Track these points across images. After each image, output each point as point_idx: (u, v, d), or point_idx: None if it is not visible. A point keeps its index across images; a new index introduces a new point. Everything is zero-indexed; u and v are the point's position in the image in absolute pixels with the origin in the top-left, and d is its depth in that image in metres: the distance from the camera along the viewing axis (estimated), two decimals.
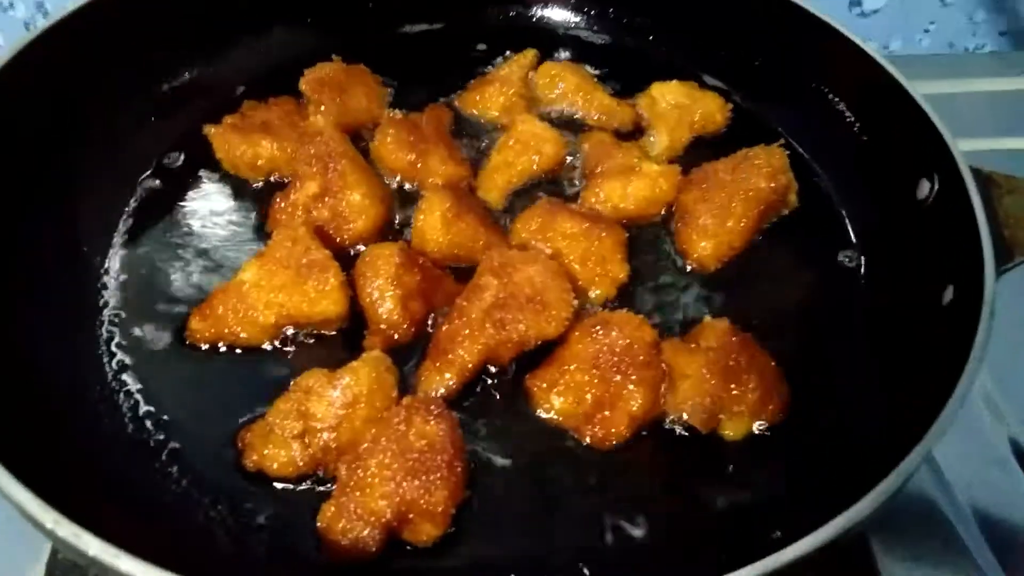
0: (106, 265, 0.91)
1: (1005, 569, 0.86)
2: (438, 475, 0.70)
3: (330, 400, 0.74)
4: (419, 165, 0.99)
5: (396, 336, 0.84)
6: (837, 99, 1.04)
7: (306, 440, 0.74)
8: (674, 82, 1.09)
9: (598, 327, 0.81)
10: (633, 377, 0.79)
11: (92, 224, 0.93)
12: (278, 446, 0.74)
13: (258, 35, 1.14)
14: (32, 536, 0.78)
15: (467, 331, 0.81)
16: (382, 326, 0.83)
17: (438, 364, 0.81)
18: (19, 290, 0.82)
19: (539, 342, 0.83)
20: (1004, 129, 1.37)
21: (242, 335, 0.83)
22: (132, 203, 0.97)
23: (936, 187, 0.88)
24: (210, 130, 0.99)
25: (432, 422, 0.73)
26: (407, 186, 1.00)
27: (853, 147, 1.02)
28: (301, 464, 0.74)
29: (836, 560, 0.82)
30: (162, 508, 0.72)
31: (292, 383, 0.77)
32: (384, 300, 0.83)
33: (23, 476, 0.59)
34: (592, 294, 0.90)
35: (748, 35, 1.13)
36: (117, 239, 0.93)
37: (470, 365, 0.81)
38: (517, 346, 0.82)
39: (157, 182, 0.99)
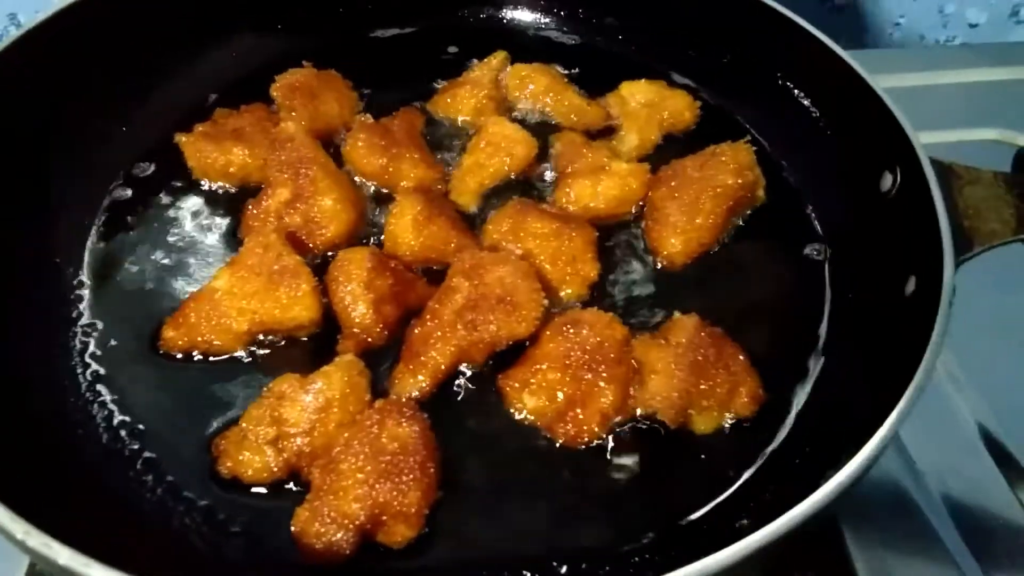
0: (79, 276, 0.91)
1: (974, 553, 0.87)
2: (411, 477, 0.71)
3: (303, 405, 0.75)
4: (391, 169, 0.99)
5: (370, 340, 0.84)
6: (802, 94, 1.06)
7: (280, 445, 0.74)
8: (643, 81, 1.10)
9: (569, 326, 0.82)
10: (604, 375, 0.80)
11: (64, 234, 0.93)
12: (252, 452, 0.74)
13: (228, 43, 1.14)
14: (10, 549, 0.80)
15: (439, 333, 0.82)
16: (355, 330, 0.84)
17: (411, 366, 0.82)
18: None
19: (511, 342, 0.83)
20: (976, 120, 1.38)
21: (215, 343, 0.83)
22: (103, 213, 0.97)
23: (898, 179, 0.89)
24: (181, 138, 0.99)
25: (404, 424, 0.74)
26: (380, 190, 1.00)
27: (818, 142, 1.03)
28: (275, 469, 0.74)
29: (809, 547, 0.85)
30: (138, 516, 0.72)
31: (265, 389, 0.78)
32: (357, 304, 0.84)
33: None
34: (563, 293, 0.91)
35: (715, 33, 1.14)
36: (89, 249, 0.93)
37: (443, 367, 0.82)
38: (489, 346, 0.83)
39: (128, 191, 1.00)
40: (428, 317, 0.84)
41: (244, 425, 0.76)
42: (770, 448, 0.81)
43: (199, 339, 0.83)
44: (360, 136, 1.00)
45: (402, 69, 1.18)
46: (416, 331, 0.84)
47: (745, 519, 0.74)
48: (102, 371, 0.83)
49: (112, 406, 0.80)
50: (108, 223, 0.96)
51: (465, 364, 0.84)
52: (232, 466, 0.75)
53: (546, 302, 0.84)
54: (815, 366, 0.87)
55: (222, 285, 0.84)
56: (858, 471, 0.65)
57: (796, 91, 1.06)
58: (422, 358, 0.82)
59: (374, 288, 0.84)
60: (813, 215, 1.01)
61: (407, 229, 0.90)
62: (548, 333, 0.83)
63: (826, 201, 1.01)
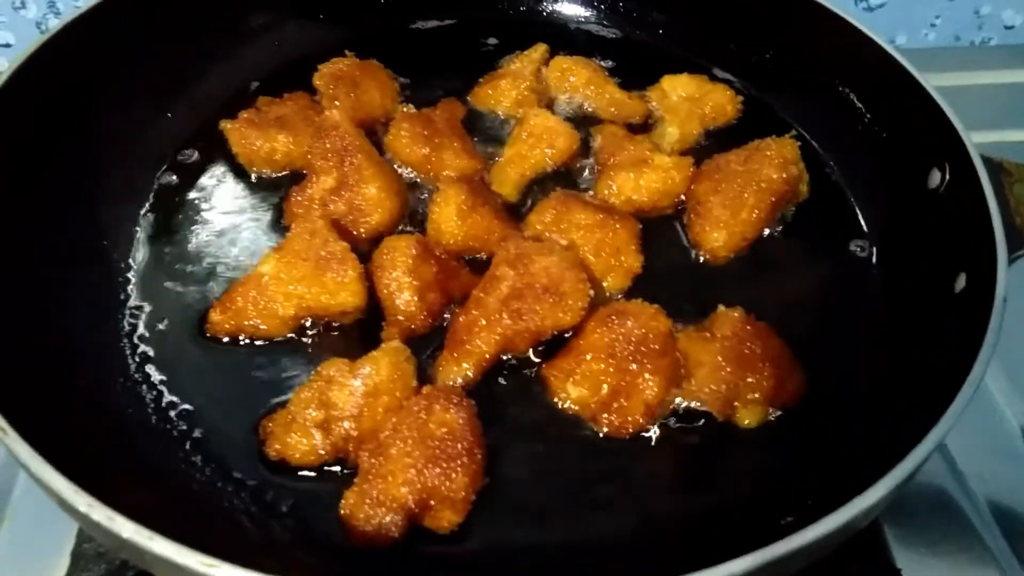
0: (127, 259, 0.92)
1: (1017, 556, 0.87)
2: (458, 462, 0.71)
3: (351, 389, 0.75)
4: (433, 159, 0.99)
5: (414, 327, 0.84)
6: (848, 91, 1.05)
7: (327, 429, 0.75)
8: (684, 75, 1.10)
9: (614, 317, 0.82)
10: (649, 366, 0.80)
11: (111, 219, 0.94)
12: (300, 435, 0.75)
13: (271, 31, 1.15)
14: (56, 528, 0.81)
15: (484, 321, 0.82)
16: (400, 317, 0.84)
17: (456, 354, 0.82)
18: (42, 285, 0.83)
19: (555, 332, 0.84)
20: (1009, 121, 1.38)
21: (262, 327, 0.84)
22: (150, 198, 0.98)
23: (947, 176, 0.88)
24: (226, 125, 1.00)
25: (452, 410, 0.74)
26: (421, 179, 1.01)
27: (864, 138, 1.03)
28: (323, 453, 0.75)
29: (852, 548, 0.84)
30: (188, 496, 0.73)
31: (313, 372, 0.78)
32: (402, 291, 0.84)
33: (56, 464, 0.60)
34: (606, 284, 0.91)
35: (758, 28, 1.14)
36: (137, 233, 0.94)
37: (487, 355, 0.82)
38: (534, 336, 0.83)
39: (174, 177, 1.00)
40: (473, 306, 0.84)
41: (292, 408, 0.76)
42: (816, 443, 0.80)
43: (246, 323, 0.84)
44: (403, 126, 1.00)
45: (442, 60, 1.18)
46: (461, 319, 0.84)
47: (790, 516, 0.73)
48: (150, 352, 0.84)
49: (160, 387, 0.81)
50: (155, 208, 0.97)
51: (509, 353, 0.84)
52: (280, 448, 0.75)
53: (592, 293, 0.84)
54: (861, 362, 0.86)
55: (269, 270, 0.84)
56: (907, 474, 0.64)
57: (841, 87, 1.05)
58: (467, 346, 0.82)
59: (419, 275, 0.84)
60: (858, 211, 1.01)
61: (451, 218, 0.90)
62: (592, 324, 0.83)
63: (872, 197, 1.00)
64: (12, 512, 0.85)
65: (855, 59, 1.02)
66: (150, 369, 0.82)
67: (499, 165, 1.03)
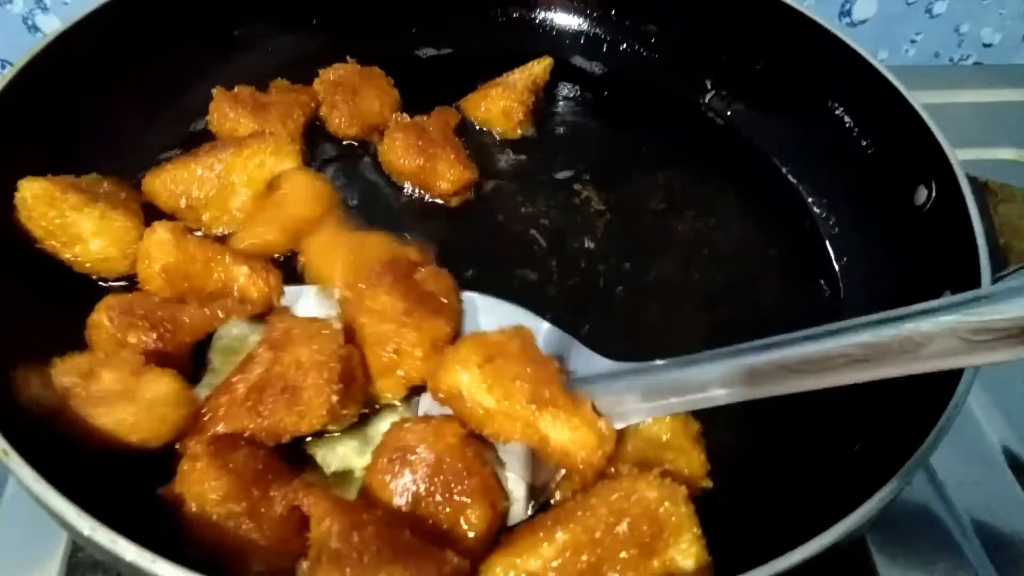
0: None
1: (996, 567, 0.89)
2: None
3: None
4: (428, 169, 0.99)
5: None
6: (838, 106, 1.06)
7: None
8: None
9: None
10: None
11: None
12: None
13: (266, 39, 1.15)
14: (48, 536, 0.80)
15: (225, 409, 0.71)
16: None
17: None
18: (30, 291, 0.82)
19: (294, 436, 0.72)
20: (986, 140, 1.40)
21: None
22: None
23: (933, 194, 0.90)
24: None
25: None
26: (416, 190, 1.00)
27: (853, 153, 1.03)
28: None
29: (836, 561, 0.85)
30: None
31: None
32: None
33: (56, 485, 0.59)
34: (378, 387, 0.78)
35: (750, 44, 1.14)
36: None
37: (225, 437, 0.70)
38: (274, 436, 0.71)
39: None
40: (223, 387, 0.73)
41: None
42: (805, 465, 0.81)
43: None
44: (397, 136, 1.00)
45: (437, 76, 1.18)
46: (210, 399, 0.73)
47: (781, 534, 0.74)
48: None
49: None
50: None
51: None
52: None
53: (335, 399, 0.70)
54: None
55: None
56: (892, 493, 0.65)
57: (831, 103, 1.06)
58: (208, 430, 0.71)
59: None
60: (841, 229, 1.02)
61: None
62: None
63: (859, 213, 1.01)
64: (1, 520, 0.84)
65: (845, 75, 1.03)
66: None
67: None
